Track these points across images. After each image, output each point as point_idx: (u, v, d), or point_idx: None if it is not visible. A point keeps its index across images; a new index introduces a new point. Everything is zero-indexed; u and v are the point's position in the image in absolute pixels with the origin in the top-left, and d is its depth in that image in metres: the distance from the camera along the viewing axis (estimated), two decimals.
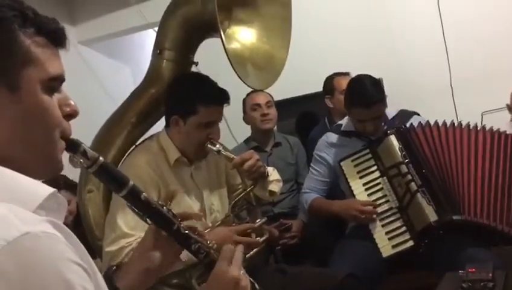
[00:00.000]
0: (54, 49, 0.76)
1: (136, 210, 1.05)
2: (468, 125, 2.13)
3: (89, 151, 0.90)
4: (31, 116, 0.73)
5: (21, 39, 0.72)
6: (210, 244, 1.11)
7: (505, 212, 1.97)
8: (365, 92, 2.17)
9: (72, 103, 0.80)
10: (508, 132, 2.10)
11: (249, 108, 2.98)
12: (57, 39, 0.77)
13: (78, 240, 0.68)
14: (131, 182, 0.99)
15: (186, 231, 1.08)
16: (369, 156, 2.20)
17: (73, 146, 0.87)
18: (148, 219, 1.07)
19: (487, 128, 2.12)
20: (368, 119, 2.20)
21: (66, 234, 0.66)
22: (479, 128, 2.11)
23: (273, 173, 1.91)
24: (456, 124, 2.14)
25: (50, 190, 0.70)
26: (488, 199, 1.99)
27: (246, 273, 1.06)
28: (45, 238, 0.62)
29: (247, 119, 3.04)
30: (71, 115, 0.80)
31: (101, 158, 0.93)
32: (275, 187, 1.91)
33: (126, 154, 1.82)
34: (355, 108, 2.20)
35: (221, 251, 1.05)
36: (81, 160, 0.90)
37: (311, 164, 2.44)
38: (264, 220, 1.83)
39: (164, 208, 1.07)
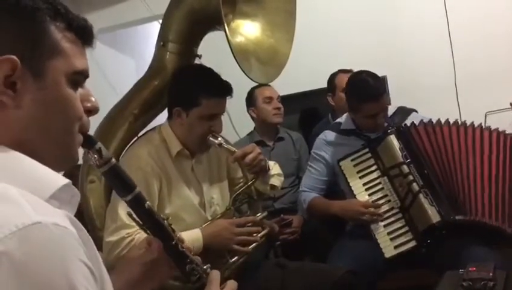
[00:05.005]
0: (81, 46, 0.79)
1: (137, 219, 1.05)
2: (472, 124, 2.12)
3: (103, 151, 0.91)
4: (54, 105, 0.74)
5: (51, 31, 0.74)
6: (204, 267, 1.09)
7: (508, 212, 1.96)
8: (370, 86, 2.17)
9: (93, 99, 0.81)
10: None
11: (261, 101, 2.97)
12: (85, 37, 0.79)
13: (88, 236, 0.68)
14: (137, 189, 0.99)
15: (184, 249, 1.07)
16: (369, 155, 2.19)
17: (89, 142, 0.88)
18: (148, 229, 1.07)
19: (491, 128, 2.11)
20: (378, 112, 2.19)
21: (78, 229, 0.65)
22: (483, 128, 2.10)
23: (274, 167, 1.91)
24: (459, 123, 2.13)
25: (65, 180, 0.71)
26: (491, 198, 1.98)
27: None
28: (56, 230, 0.61)
29: (256, 111, 3.00)
30: (91, 111, 0.81)
31: (113, 160, 0.94)
32: (276, 181, 1.91)
33: (128, 146, 1.82)
34: (367, 104, 2.18)
35: (210, 274, 1.05)
36: (95, 156, 0.91)
37: (310, 163, 2.43)
38: (264, 214, 1.83)
39: (165, 221, 1.06)
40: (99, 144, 0.90)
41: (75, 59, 0.76)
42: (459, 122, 2.13)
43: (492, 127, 2.12)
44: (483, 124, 2.16)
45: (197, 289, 1.07)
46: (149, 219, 1.04)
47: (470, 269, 1.54)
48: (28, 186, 0.65)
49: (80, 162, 1.77)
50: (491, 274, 1.49)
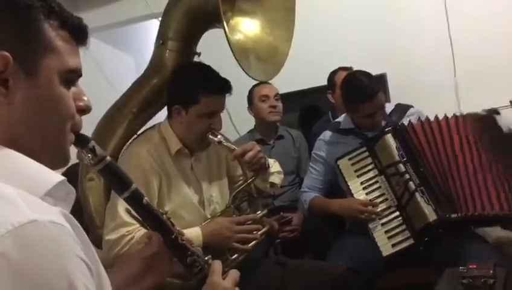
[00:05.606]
0: (75, 44, 0.78)
1: (136, 215, 1.05)
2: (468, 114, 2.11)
3: (97, 149, 0.91)
4: (46, 103, 0.74)
5: (45, 29, 0.74)
6: (206, 258, 1.09)
7: (505, 196, 1.94)
8: (364, 86, 2.17)
9: (86, 98, 0.81)
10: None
11: (257, 99, 2.97)
12: (79, 35, 0.79)
13: (83, 232, 0.68)
14: (134, 185, 0.99)
15: (184, 242, 1.07)
16: (366, 154, 2.19)
17: (82, 141, 0.88)
18: (147, 225, 1.06)
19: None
20: (375, 110, 2.19)
21: (73, 225, 0.65)
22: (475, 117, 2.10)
23: (274, 165, 1.91)
24: (450, 117, 2.11)
25: (60, 177, 0.71)
26: (482, 187, 1.97)
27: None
28: (52, 228, 0.61)
29: (254, 110, 3.02)
30: (84, 110, 0.81)
31: (108, 157, 0.93)
32: (276, 179, 1.91)
33: (127, 144, 1.82)
34: (363, 104, 2.18)
35: (212, 264, 1.05)
36: (89, 155, 0.90)
37: (310, 163, 2.45)
38: (264, 212, 1.83)
39: (164, 216, 1.06)
40: (92, 143, 0.90)
41: (68, 57, 0.76)
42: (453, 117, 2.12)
43: None
44: None
45: (199, 280, 1.06)
46: (147, 215, 1.04)
47: (470, 266, 1.53)
48: (23, 185, 0.65)
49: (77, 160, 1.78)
50: (491, 272, 1.49)
